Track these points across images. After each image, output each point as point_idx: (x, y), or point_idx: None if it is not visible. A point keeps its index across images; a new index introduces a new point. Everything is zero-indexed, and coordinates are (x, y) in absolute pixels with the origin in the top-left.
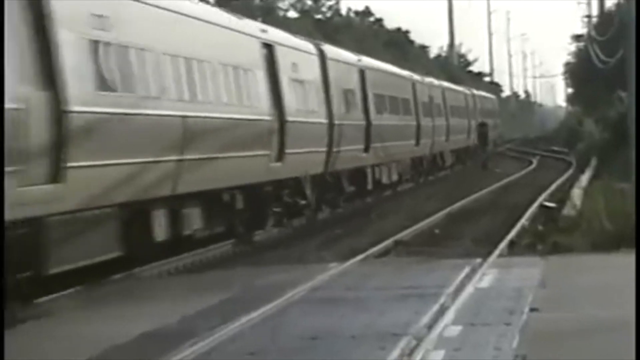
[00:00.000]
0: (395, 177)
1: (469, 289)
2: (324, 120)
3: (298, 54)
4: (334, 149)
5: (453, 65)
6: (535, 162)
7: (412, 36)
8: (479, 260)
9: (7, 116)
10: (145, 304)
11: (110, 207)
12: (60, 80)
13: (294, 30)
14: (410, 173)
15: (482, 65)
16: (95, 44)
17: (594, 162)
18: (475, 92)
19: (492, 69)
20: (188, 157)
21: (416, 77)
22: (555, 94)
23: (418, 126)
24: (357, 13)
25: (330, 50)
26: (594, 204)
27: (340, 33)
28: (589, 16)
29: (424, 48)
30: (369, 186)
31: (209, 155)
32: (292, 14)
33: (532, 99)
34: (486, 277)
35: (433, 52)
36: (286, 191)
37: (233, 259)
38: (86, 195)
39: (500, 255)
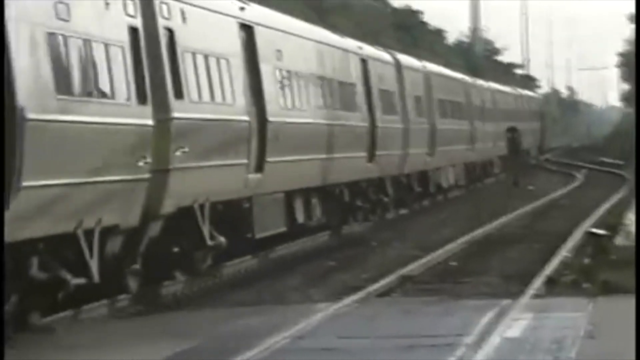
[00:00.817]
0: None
1: (495, 339)
2: (401, 126)
3: (383, 65)
4: (407, 152)
5: (476, 55)
6: (580, 177)
7: (426, 18)
8: (507, 301)
9: (244, 126)
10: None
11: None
12: (265, 102)
13: (282, 10)
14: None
15: (514, 55)
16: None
17: None
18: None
19: (525, 60)
20: (332, 155)
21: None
22: (606, 90)
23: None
24: None
25: (403, 59)
26: None
27: (336, 14)
28: None
29: (440, 32)
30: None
31: (342, 155)
32: None
33: (577, 97)
34: (517, 323)
35: (451, 38)
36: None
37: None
38: (274, 182)
39: (535, 296)
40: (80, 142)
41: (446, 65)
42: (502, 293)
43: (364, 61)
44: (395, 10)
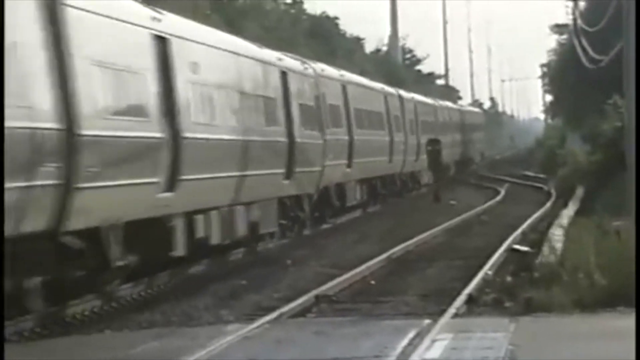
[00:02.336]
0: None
1: None
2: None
3: (302, 77)
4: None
5: (396, 64)
6: (502, 191)
7: (343, 25)
8: (427, 321)
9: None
10: None
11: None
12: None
13: (184, 11)
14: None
15: (435, 64)
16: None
17: (580, 192)
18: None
19: (447, 69)
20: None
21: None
22: (529, 102)
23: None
24: None
25: (320, 68)
26: (581, 248)
27: (247, 18)
28: None
29: (358, 40)
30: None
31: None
32: None
33: (500, 108)
34: (437, 344)
35: (370, 46)
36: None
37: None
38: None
39: (456, 315)
40: None
41: (363, 74)
42: (422, 313)
43: (284, 74)
44: (311, 17)
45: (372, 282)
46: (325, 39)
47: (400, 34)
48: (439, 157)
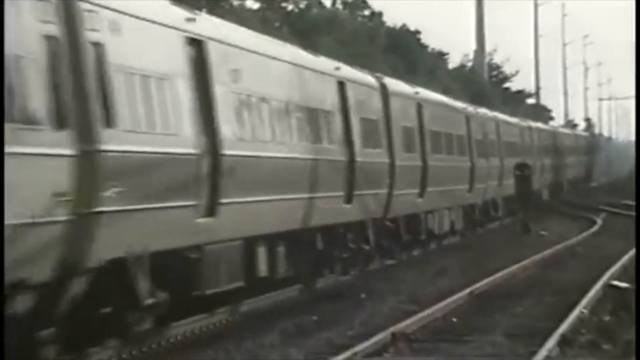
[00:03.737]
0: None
1: None
2: (386, 160)
3: (365, 90)
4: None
5: (482, 81)
6: (599, 221)
7: (425, 38)
8: None
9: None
10: None
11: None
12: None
13: (253, 25)
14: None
15: (525, 81)
16: None
17: None
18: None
19: (538, 87)
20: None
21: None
22: (630, 122)
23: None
24: (345, 3)
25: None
26: None
27: (321, 31)
28: None
29: (441, 55)
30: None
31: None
32: (251, 1)
33: (597, 129)
34: None
35: (454, 62)
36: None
37: None
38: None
39: (548, 358)
40: None
41: (445, 92)
42: (510, 354)
43: (341, 84)
44: (390, 30)
45: (454, 319)
46: (404, 54)
47: (487, 48)
48: (529, 184)
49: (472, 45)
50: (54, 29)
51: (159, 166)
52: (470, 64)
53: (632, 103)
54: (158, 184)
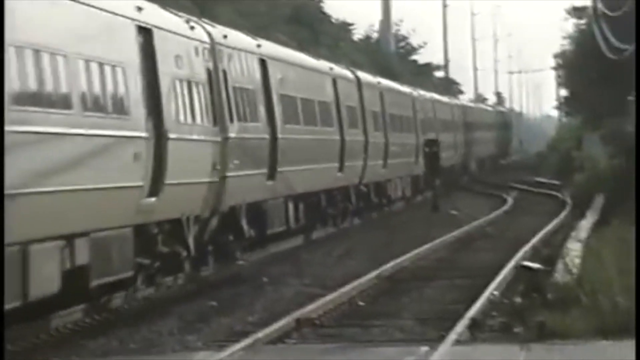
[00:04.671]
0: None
1: None
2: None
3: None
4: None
5: (388, 54)
6: (510, 200)
7: (328, 8)
8: (425, 348)
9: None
10: None
11: None
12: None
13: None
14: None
15: (433, 54)
16: None
17: (599, 201)
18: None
19: (446, 60)
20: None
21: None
22: (541, 97)
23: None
24: None
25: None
26: (601, 265)
27: (220, 3)
28: None
29: (346, 26)
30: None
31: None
32: None
33: (507, 104)
34: None
35: (359, 33)
36: None
37: None
38: None
39: (458, 342)
40: None
41: (352, 65)
42: (419, 339)
43: (334, 81)
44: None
45: (361, 303)
46: (308, 25)
47: (394, 19)
48: (438, 160)
49: (378, 15)
50: (210, 65)
51: (252, 147)
52: (376, 35)
53: (543, 75)
54: (252, 158)
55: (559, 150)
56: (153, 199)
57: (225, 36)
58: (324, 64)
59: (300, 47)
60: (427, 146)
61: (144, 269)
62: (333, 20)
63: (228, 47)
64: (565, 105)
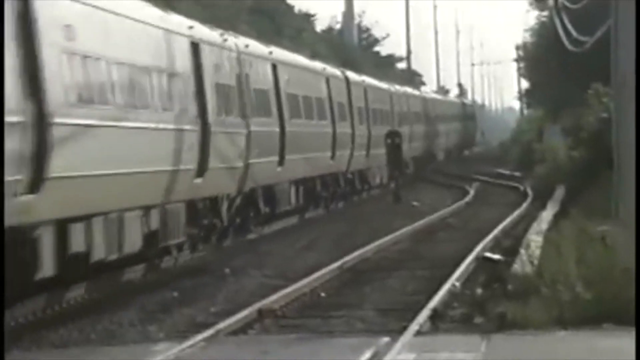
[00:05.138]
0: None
1: None
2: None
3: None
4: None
5: (350, 45)
6: (472, 191)
7: (290, 0)
8: (386, 339)
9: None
10: None
11: None
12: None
13: None
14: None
15: (395, 46)
16: None
17: (560, 192)
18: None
19: (409, 51)
20: None
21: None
22: (503, 89)
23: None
24: None
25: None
26: (561, 256)
27: None
28: None
29: (308, 17)
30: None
31: None
32: None
33: (469, 96)
34: None
35: (322, 25)
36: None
37: None
38: None
39: (419, 333)
40: None
41: (314, 56)
42: (380, 330)
43: (327, 80)
44: None
45: (323, 294)
46: (270, 16)
47: (356, 10)
48: (400, 152)
49: (341, 7)
50: (237, 70)
51: (267, 138)
52: (338, 26)
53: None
54: (267, 148)
55: (520, 141)
56: (200, 180)
57: (247, 45)
58: (318, 65)
59: (260, 38)
60: (389, 137)
61: (189, 236)
62: (295, 11)
63: (249, 54)
64: (526, 97)
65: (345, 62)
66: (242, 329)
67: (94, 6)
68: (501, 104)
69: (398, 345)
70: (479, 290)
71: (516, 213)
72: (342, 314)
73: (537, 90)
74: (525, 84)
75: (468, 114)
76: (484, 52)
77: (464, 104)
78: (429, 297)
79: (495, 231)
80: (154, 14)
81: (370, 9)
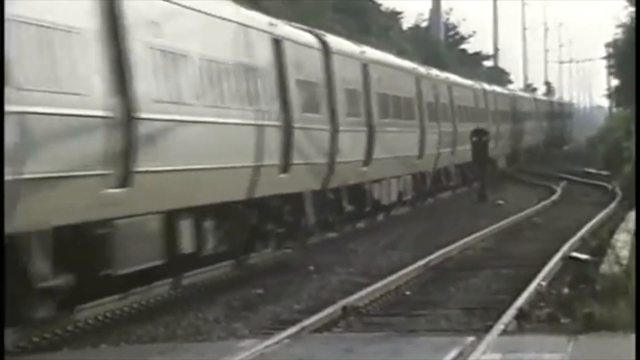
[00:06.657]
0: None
1: None
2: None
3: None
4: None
5: (437, 42)
6: (559, 190)
7: None
8: (471, 339)
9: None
10: None
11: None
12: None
13: None
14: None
15: (482, 43)
16: None
17: None
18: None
19: (496, 49)
20: None
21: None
22: (592, 87)
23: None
24: None
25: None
26: None
27: None
28: None
29: (395, 15)
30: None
31: None
32: None
33: (557, 94)
34: None
35: (408, 22)
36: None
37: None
38: None
39: (504, 332)
40: None
41: (399, 54)
42: (465, 329)
43: (418, 79)
44: None
45: (408, 292)
46: (356, 14)
47: (443, 8)
48: (486, 150)
49: (428, 4)
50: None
51: (352, 138)
52: (425, 24)
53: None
54: (351, 147)
55: (609, 140)
56: (284, 175)
57: (339, 43)
58: (407, 64)
59: (349, 37)
60: (475, 135)
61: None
62: (382, 9)
63: (339, 53)
64: (615, 94)
65: (430, 59)
66: (326, 327)
67: (177, 4)
68: (590, 101)
69: (483, 345)
70: (566, 291)
71: (604, 212)
72: (426, 312)
73: (627, 87)
74: (614, 82)
75: (558, 112)
76: (573, 49)
77: (552, 102)
78: (515, 297)
79: (583, 231)
80: (241, 12)
81: (458, 6)
